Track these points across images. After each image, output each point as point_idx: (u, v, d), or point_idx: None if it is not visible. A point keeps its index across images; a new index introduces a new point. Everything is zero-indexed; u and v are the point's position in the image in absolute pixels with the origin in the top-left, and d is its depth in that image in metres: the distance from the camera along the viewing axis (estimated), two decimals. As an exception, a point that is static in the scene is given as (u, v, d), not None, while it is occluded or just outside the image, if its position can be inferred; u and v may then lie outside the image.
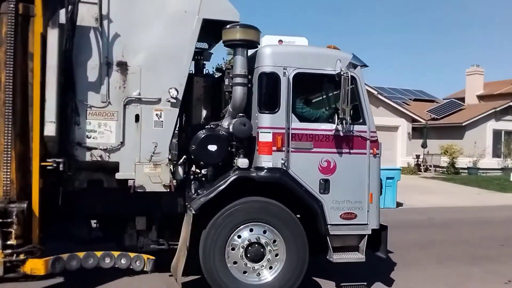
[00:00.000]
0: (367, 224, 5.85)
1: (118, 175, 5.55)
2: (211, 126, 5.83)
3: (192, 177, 6.18)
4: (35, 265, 4.88)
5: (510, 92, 34.91)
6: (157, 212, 5.92)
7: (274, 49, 5.78)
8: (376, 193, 5.96)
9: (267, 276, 5.52)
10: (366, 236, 5.85)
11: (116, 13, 5.45)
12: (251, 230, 5.47)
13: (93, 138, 5.43)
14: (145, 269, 5.48)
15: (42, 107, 5.05)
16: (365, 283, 6.29)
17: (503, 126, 28.57)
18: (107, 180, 5.69)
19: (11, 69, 4.89)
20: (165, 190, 5.65)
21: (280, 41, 5.97)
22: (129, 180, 5.53)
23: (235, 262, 5.44)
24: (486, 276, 7.19)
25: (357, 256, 5.85)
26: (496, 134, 28.48)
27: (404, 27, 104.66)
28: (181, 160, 5.88)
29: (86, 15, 5.31)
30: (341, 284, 6.22)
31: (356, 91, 5.82)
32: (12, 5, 4.86)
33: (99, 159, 5.45)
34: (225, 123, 5.80)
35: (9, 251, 4.83)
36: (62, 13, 5.12)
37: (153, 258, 5.53)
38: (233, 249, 5.43)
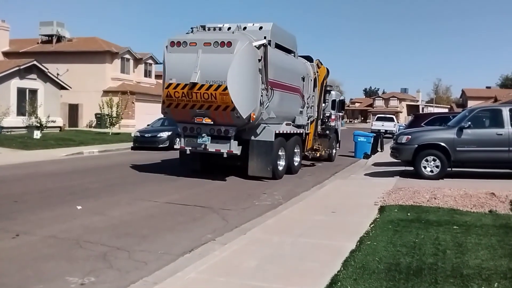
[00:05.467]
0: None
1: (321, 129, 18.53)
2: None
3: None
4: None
5: (35, 51, 36.28)
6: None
7: (334, 93, 20.52)
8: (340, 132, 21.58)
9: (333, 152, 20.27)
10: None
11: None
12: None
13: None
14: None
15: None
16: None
17: (27, 84, 28.61)
18: None
19: (319, 99, 17.39)
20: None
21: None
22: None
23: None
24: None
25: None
26: (21, 92, 28.28)
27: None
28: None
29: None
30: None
31: (342, 103, 21.55)
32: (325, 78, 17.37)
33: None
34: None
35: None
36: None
37: None
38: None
